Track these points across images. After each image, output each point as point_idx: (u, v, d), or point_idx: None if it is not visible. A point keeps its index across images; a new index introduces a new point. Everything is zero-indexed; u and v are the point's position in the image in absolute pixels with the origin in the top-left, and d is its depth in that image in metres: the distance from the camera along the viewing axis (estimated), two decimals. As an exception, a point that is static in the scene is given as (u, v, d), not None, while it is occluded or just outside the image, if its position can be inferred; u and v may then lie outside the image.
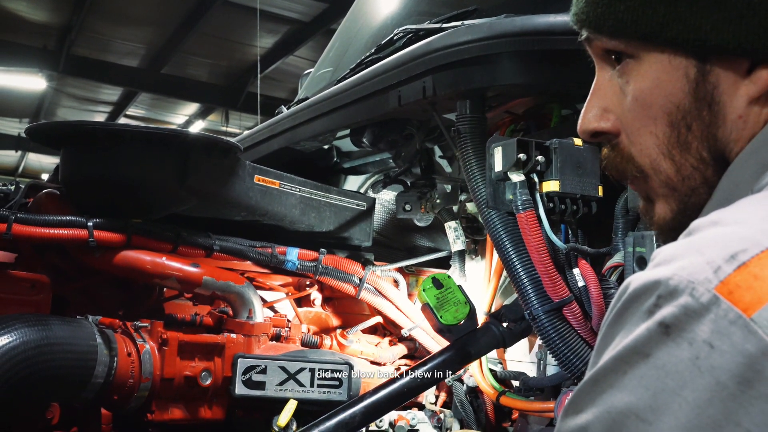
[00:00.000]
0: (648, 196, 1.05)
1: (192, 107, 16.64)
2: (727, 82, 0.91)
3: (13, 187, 2.39)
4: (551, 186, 1.80)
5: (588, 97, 1.06)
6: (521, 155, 1.77)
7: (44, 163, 21.63)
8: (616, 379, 0.68)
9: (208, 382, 2.19)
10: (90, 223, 2.17)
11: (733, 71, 0.91)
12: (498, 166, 1.82)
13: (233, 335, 2.28)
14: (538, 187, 1.81)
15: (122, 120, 16.91)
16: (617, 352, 0.69)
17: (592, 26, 1.00)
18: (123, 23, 12.10)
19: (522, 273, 1.87)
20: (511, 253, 1.89)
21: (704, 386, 0.63)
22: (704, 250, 0.68)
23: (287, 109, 3.21)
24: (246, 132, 3.23)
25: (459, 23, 2.18)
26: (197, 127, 17.34)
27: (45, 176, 21.35)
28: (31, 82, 14.32)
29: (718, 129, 0.93)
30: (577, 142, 1.82)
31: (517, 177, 1.80)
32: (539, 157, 1.80)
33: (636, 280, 0.71)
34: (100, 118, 17.18)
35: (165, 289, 2.47)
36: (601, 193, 1.86)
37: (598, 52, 1.04)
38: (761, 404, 0.61)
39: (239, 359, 2.19)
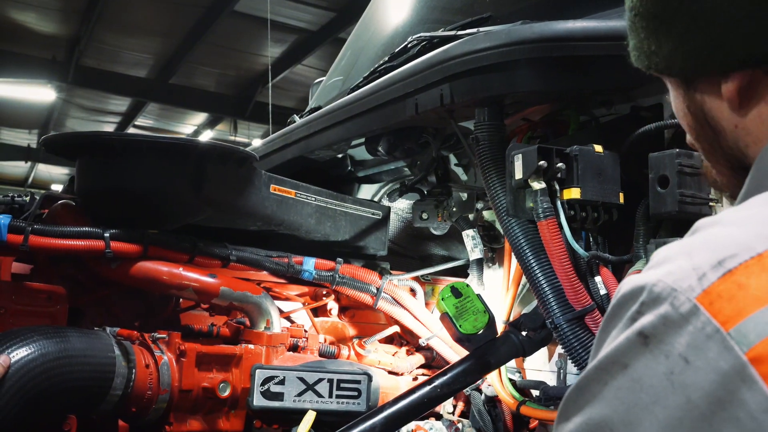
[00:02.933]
0: None
1: (200, 117, 16.68)
2: (711, 100, 0.93)
3: (27, 198, 2.38)
4: (572, 193, 1.79)
5: None
6: (542, 162, 1.76)
7: (53, 173, 21.69)
8: (598, 389, 0.68)
9: (227, 393, 2.18)
10: (106, 234, 2.16)
11: (711, 88, 0.92)
12: (518, 174, 1.81)
13: (251, 346, 2.27)
14: (558, 195, 1.80)
15: (131, 130, 16.94)
16: (600, 361, 0.69)
17: (632, 60, 1.05)
18: (131, 34, 12.15)
19: (543, 281, 1.85)
20: (532, 261, 1.87)
21: (676, 404, 0.62)
22: (694, 254, 0.67)
23: (300, 118, 3.20)
24: (259, 141, 3.23)
25: (474, 30, 2.17)
26: (206, 137, 17.36)
27: (54, 187, 21.45)
28: (40, 93, 14.36)
29: (724, 141, 0.94)
30: (598, 149, 1.81)
31: (537, 184, 1.79)
32: (560, 165, 1.79)
33: (627, 284, 0.71)
34: (109, 128, 17.24)
35: (181, 299, 2.46)
36: (622, 200, 1.84)
37: None
38: (731, 427, 0.59)
39: (257, 370, 2.18)
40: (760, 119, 0.89)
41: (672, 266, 0.67)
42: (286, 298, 2.61)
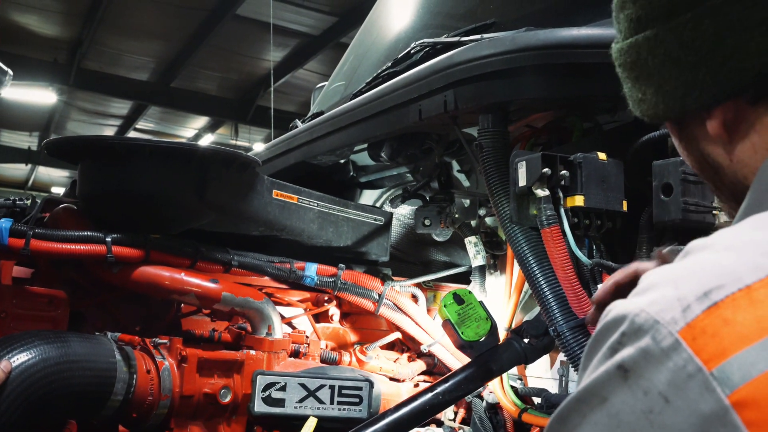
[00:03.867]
0: None
1: (201, 120, 16.68)
2: (702, 138, 0.93)
3: (29, 202, 2.38)
4: (576, 201, 1.78)
5: None
6: (546, 170, 1.76)
7: (54, 176, 21.68)
8: (577, 422, 0.66)
9: (228, 399, 2.17)
10: (108, 239, 2.16)
11: (700, 127, 0.93)
12: (522, 181, 1.80)
13: (252, 352, 2.26)
14: (562, 202, 1.80)
15: (132, 133, 16.95)
16: (580, 392, 0.67)
17: None
18: (133, 37, 12.16)
19: (546, 289, 1.85)
20: (535, 268, 1.87)
21: None
22: (680, 283, 0.64)
23: (302, 123, 3.20)
24: (261, 145, 3.23)
25: (478, 37, 2.17)
26: (206, 141, 17.37)
27: (54, 189, 21.45)
28: (41, 95, 14.35)
29: (724, 176, 0.94)
30: (602, 156, 1.81)
31: (541, 192, 1.78)
32: (564, 172, 1.78)
33: (613, 309, 0.68)
34: (110, 131, 17.24)
35: (183, 304, 2.45)
36: (625, 208, 1.84)
37: None
38: None
39: (259, 376, 2.17)
40: (752, 149, 0.87)
41: (657, 294, 0.65)
42: (288, 304, 2.60)
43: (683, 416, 0.58)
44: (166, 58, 13.14)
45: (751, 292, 0.61)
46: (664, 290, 0.64)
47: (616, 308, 0.67)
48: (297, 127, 3.14)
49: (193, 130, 17.46)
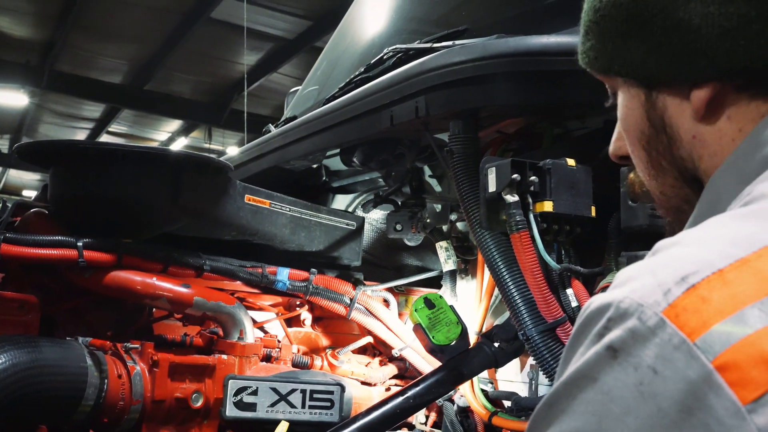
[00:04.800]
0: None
1: (175, 124, 16.61)
2: (673, 107, 0.96)
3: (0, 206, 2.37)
4: (545, 206, 1.80)
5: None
6: (515, 176, 1.78)
7: (25, 179, 21.54)
8: (567, 404, 0.69)
9: (199, 403, 2.17)
10: (80, 243, 2.15)
11: (676, 95, 0.95)
12: (492, 187, 1.82)
13: (224, 356, 2.26)
14: (531, 208, 1.82)
15: (104, 136, 16.86)
16: (569, 376, 0.70)
17: (581, 63, 1.08)
18: (107, 39, 12.09)
19: (515, 293, 1.87)
20: (505, 273, 1.89)
21: (647, 413, 0.63)
22: (658, 272, 0.69)
23: (275, 127, 3.20)
24: (234, 149, 3.23)
25: (450, 43, 2.18)
26: (180, 144, 17.31)
27: (26, 193, 21.27)
28: (13, 98, 14.25)
29: (678, 150, 0.97)
30: (571, 162, 1.83)
31: (511, 197, 1.80)
32: (533, 178, 1.80)
33: (594, 302, 0.72)
34: (82, 134, 17.14)
35: (154, 309, 2.45)
36: (594, 214, 1.86)
37: None
38: None
39: (230, 380, 2.18)
40: (718, 133, 0.92)
41: (637, 284, 0.69)
42: (260, 308, 2.61)
43: (672, 383, 0.62)
44: (139, 60, 13.08)
45: (724, 275, 0.66)
46: (644, 279, 0.69)
47: (597, 300, 0.71)
48: (270, 131, 3.14)
49: (166, 133, 17.38)
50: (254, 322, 2.48)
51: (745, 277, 0.65)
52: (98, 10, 10.88)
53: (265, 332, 2.59)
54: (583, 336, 0.72)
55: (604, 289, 1.82)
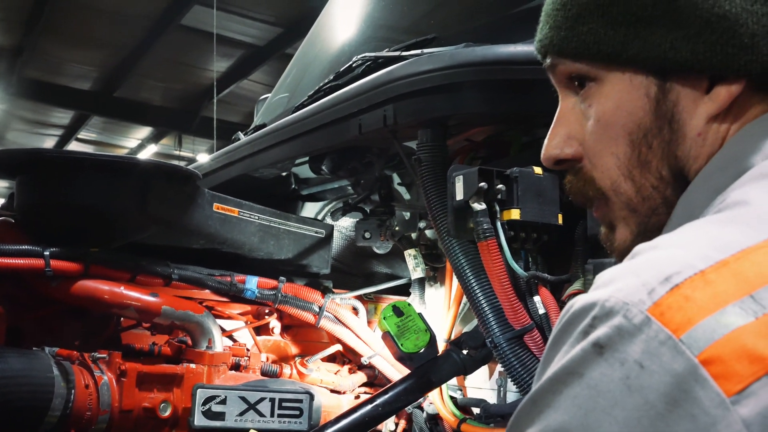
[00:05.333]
0: (610, 223, 1.07)
1: (145, 131, 16.52)
2: (687, 100, 0.95)
3: (-35, 215, 2.35)
4: (512, 214, 1.81)
5: (552, 126, 1.09)
6: (482, 184, 1.79)
7: (-7, 187, 21.34)
8: (553, 399, 0.70)
9: (167, 413, 2.16)
10: (46, 252, 2.13)
11: (692, 89, 0.94)
12: (459, 195, 1.83)
13: (192, 365, 2.26)
14: (499, 216, 1.83)
15: (73, 144, 16.73)
16: (554, 373, 0.71)
17: (555, 50, 1.04)
18: (76, 46, 12.00)
19: (483, 301, 1.88)
20: (473, 281, 1.90)
21: (634, 405, 0.65)
22: (641, 273, 0.70)
23: (244, 135, 3.19)
24: (204, 156, 3.22)
25: (419, 51, 2.19)
26: (150, 151, 17.20)
27: (-7, 200, 21.00)
28: (-20, 104, 14.14)
29: (678, 147, 0.96)
30: (537, 170, 1.84)
31: (478, 206, 1.81)
32: (500, 186, 1.81)
33: (577, 302, 0.73)
34: (51, 141, 17.00)
35: (122, 318, 2.44)
36: (560, 221, 1.88)
37: (561, 79, 1.07)
38: (687, 423, 0.63)
39: (198, 390, 2.17)
40: (719, 133, 0.94)
41: (621, 284, 0.71)
42: (229, 317, 2.60)
43: (658, 377, 0.64)
44: (109, 67, 12.99)
45: (705, 275, 0.68)
46: (627, 280, 0.71)
47: (580, 300, 0.73)
48: (239, 139, 3.14)
49: (136, 140, 17.27)
50: (223, 330, 2.48)
51: (726, 278, 0.68)
52: (67, 16, 10.81)
53: (234, 341, 2.58)
54: (566, 334, 0.73)
55: (571, 295, 1.84)
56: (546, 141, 1.08)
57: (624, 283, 0.70)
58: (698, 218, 0.87)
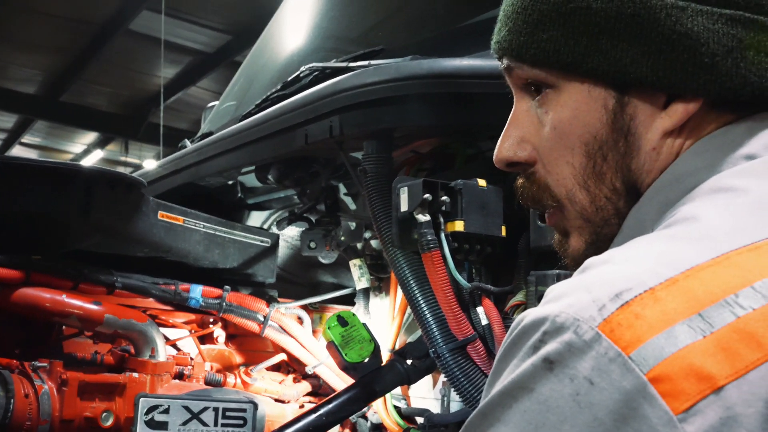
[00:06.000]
0: (564, 230, 1.07)
1: (91, 136, 16.33)
2: (644, 115, 0.95)
3: None
4: (456, 226, 1.83)
5: (505, 127, 1.08)
6: (427, 196, 1.80)
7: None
8: (503, 413, 0.71)
9: (109, 423, 2.14)
10: (-14, 260, 2.11)
11: (650, 104, 0.94)
12: (404, 206, 1.85)
13: (135, 374, 2.24)
14: (443, 227, 1.84)
15: (17, 148, 16.48)
16: (504, 387, 0.72)
17: (513, 55, 1.02)
18: (20, 49, 11.85)
19: (427, 311, 1.89)
20: (416, 291, 1.91)
21: (583, 422, 0.66)
22: (592, 288, 0.71)
23: (191, 143, 3.18)
24: (152, 162, 3.19)
25: (366, 63, 2.20)
26: (96, 157, 17.01)
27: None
28: None
29: (632, 160, 0.96)
30: (482, 183, 1.86)
31: (422, 217, 1.83)
32: (444, 198, 1.83)
33: (527, 316, 0.74)
34: (-6, 146, 16.75)
35: (64, 327, 2.41)
36: (504, 233, 1.90)
37: (517, 82, 1.06)
38: None
39: (141, 399, 2.15)
40: (673, 148, 0.95)
41: (572, 299, 0.71)
42: (173, 326, 2.58)
43: (608, 393, 0.65)
44: (55, 71, 12.85)
45: (655, 293, 0.69)
46: (578, 295, 0.71)
47: (531, 314, 0.73)
48: (186, 147, 3.13)
49: (82, 145, 17.07)
50: (167, 339, 2.46)
51: (675, 296, 0.69)
52: (12, 19, 10.67)
53: (178, 350, 2.56)
54: (516, 348, 0.73)
55: (514, 307, 1.86)
56: (499, 143, 1.08)
57: (575, 299, 0.71)
58: (648, 230, 0.90)
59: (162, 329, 2.43)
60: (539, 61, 0.99)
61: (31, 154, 17.09)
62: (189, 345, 2.60)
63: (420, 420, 2.32)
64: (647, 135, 0.95)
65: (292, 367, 2.79)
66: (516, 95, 1.08)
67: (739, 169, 0.87)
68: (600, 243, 1.01)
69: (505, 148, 1.07)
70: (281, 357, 2.73)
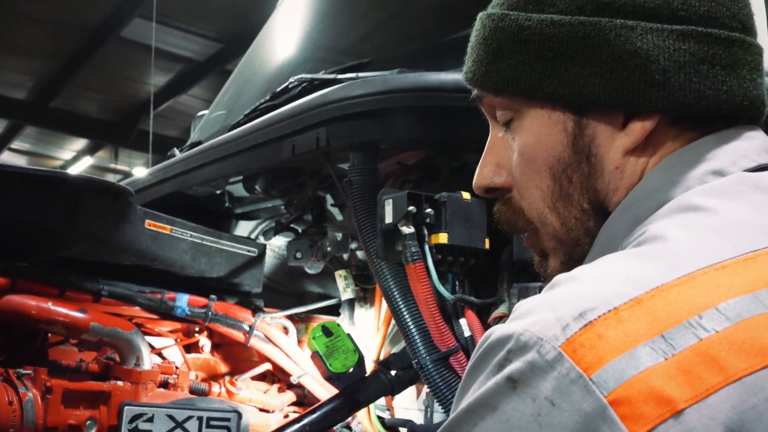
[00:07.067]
0: (541, 251, 1.09)
1: (81, 143, 16.29)
2: (603, 135, 0.96)
3: None
4: (440, 238, 1.85)
5: (483, 154, 1.10)
6: (411, 208, 1.82)
7: None
8: (467, 429, 0.72)
9: (93, 431, 2.15)
10: (-28, 267, 2.11)
11: (608, 124, 0.95)
12: (389, 218, 1.86)
13: (120, 383, 2.24)
14: (427, 239, 1.86)
15: (6, 154, 16.44)
16: (469, 404, 0.72)
17: (478, 84, 1.05)
18: (11, 53, 11.81)
19: (410, 323, 1.91)
20: (400, 303, 1.93)
21: None
22: (557, 307, 0.71)
23: (180, 151, 3.19)
24: (141, 169, 3.20)
25: (353, 75, 2.22)
26: (85, 163, 16.98)
27: None
28: None
29: (597, 180, 0.97)
30: (466, 195, 1.88)
31: (407, 229, 1.84)
32: (429, 210, 1.85)
33: (494, 332, 0.74)
34: (-18, 151, 16.70)
35: (50, 334, 2.41)
36: (487, 246, 1.92)
37: (488, 110, 1.08)
38: None
39: (125, 407, 2.15)
40: (640, 166, 0.95)
41: (537, 317, 0.71)
42: (158, 334, 2.59)
43: (568, 415, 0.65)
44: (45, 77, 12.81)
45: (619, 313, 0.69)
46: (544, 313, 0.71)
47: (498, 331, 0.74)
48: (175, 155, 3.14)
49: (71, 152, 17.03)
50: (152, 348, 2.46)
51: (639, 316, 0.69)
52: (2, 23, 10.64)
53: (164, 358, 2.57)
54: (483, 365, 0.74)
55: (496, 318, 1.88)
56: (477, 169, 1.10)
57: (540, 317, 0.71)
58: (618, 247, 0.90)
59: (147, 338, 2.43)
60: (500, 89, 1.01)
61: (21, 160, 17.05)
62: (174, 354, 2.61)
63: (403, 430, 2.33)
64: (609, 155, 0.96)
65: (277, 376, 2.80)
66: (490, 122, 1.10)
67: (708, 187, 0.88)
68: (573, 263, 1.02)
69: (482, 175, 1.10)
70: (266, 366, 2.74)
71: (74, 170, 16.73)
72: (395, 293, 1.94)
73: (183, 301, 2.48)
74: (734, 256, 0.75)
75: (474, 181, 1.11)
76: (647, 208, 0.91)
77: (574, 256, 1.03)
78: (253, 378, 2.73)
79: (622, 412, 0.64)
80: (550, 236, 1.04)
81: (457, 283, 1.98)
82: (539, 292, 1.71)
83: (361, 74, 2.22)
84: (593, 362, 0.66)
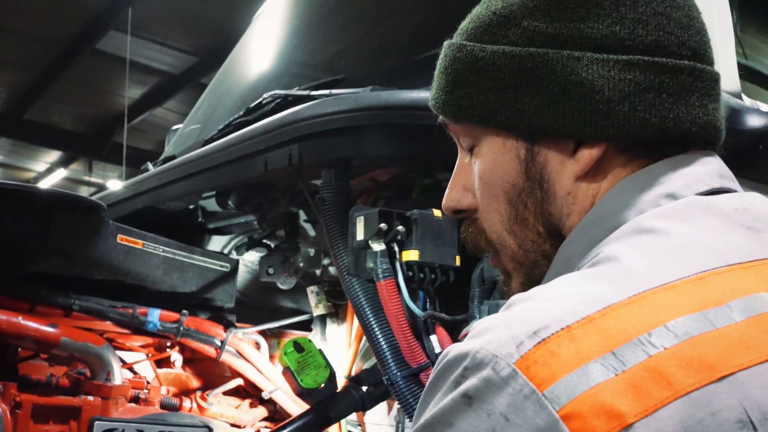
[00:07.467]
0: (505, 271, 1.11)
1: (54, 155, 16.19)
2: (554, 162, 0.99)
3: None
4: (411, 255, 1.86)
5: (452, 176, 1.13)
6: (382, 225, 1.84)
7: None
8: None
9: (63, 446, 2.14)
10: (-58, 281, 2.10)
11: (559, 151, 0.98)
12: (360, 235, 1.88)
13: (90, 398, 2.23)
14: (398, 256, 1.87)
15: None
16: (427, 420, 0.74)
17: (440, 111, 1.08)
18: (-17, 66, 11.76)
19: (381, 339, 1.92)
20: (371, 319, 1.94)
21: None
22: (512, 325, 0.73)
23: (153, 166, 3.18)
24: (115, 182, 3.19)
25: (326, 92, 2.23)
26: (59, 176, 16.86)
27: None
28: None
29: (550, 205, 1.00)
30: (437, 213, 1.90)
31: (378, 246, 1.86)
32: (400, 227, 1.87)
33: (452, 350, 0.76)
34: (-46, 163, 16.56)
35: (20, 348, 2.40)
36: (458, 263, 1.93)
37: (454, 134, 1.12)
38: None
39: (96, 422, 2.15)
40: (592, 191, 0.97)
41: (493, 335, 0.73)
42: (130, 349, 2.58)
43: (522, 430, 0.67)
44: (19, 88, 12.74)
45: (571, 331, 0.71)
46: (499, 332, 0.73)
47: (455, 349, 0.75)
48: (148, 169, 3.13)
49: (45, 164, 16.92)
50: (123, 362, 2.46)
51: (590, 334, 0.70)
52: (-25, 36, 10.60)
53: (135, 373, 2.56)
54: (441, 382, 0.76)
55: (466, 335, 1.89)
56: (446, 191, 1.13)
57: (496, 335, 0.73)
58: (575, 268, 0.93)
59: (119, 352, 2.43)
60: (458, 117, 1.05)
61: (-7, 172, 16.95)
62: (146, 368, 2.60)
63: (374, 446, 2.34)
64: (561, 181, 0.99)
65: (249, 392, 2.80)
66: (459, 147, 1.13)
67: (662, 210, 0.90)
68: (532, 283, 1.04)
69: (450, 197, 1.13)
70: (238, 382, 2.74)
71: (48, 182, 16.63)
72: (366, 310, 1.95)
73: (155, 315, 2.48)
74: (684, 276, 0.77)
75: (443, 202, 1.15)
76: (602, 230, 0.93)
77: (533, 277, 1.06)
78: (225, 393, 2.73)
79: (574, 426, 0.66)
80: (509, 258, 1.07)
81: (428, 300, 1.99)
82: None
83: (334, 91, 2.23)
84: (546, 378, 0.68)
